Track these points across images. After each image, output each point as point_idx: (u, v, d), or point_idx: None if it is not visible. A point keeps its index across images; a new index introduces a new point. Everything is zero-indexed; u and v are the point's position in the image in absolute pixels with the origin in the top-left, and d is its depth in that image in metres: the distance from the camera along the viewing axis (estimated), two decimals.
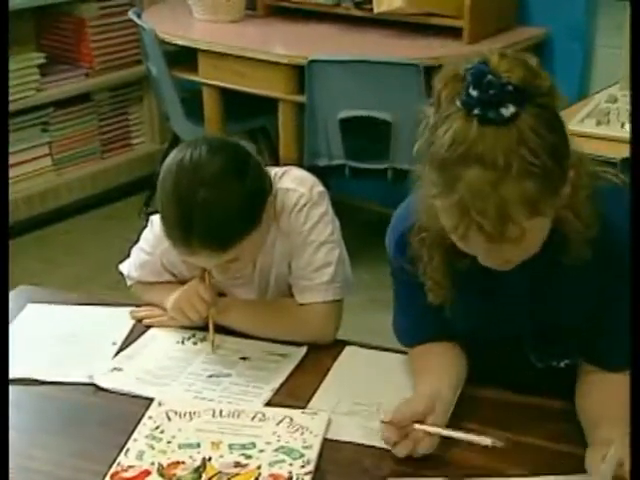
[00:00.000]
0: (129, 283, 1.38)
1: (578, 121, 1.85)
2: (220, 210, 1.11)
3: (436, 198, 0.91)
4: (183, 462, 1.00)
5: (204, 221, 1.11)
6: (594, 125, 1.82)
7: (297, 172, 1.27)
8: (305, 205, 1.24)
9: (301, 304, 1.25)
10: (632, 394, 0.86)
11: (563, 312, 1.05)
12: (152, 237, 1.30)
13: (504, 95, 0.86)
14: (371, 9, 2.49)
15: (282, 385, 1.15)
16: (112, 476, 0.99)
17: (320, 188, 1.27)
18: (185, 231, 1.12)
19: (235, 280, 1.29)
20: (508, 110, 0.86)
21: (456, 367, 1.11)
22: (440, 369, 1.09)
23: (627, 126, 1.80)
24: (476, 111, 0.87)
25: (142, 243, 1.33)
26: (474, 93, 0.87)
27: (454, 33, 2.40)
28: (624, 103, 1.90)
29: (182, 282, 1.31)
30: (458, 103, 0.88)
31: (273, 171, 1.25)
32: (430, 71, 2.17)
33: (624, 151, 1.60)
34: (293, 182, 1.25)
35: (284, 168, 1.29)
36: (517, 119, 0.86)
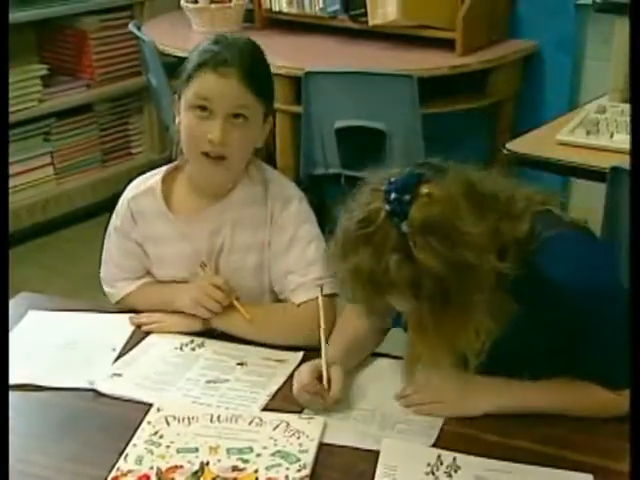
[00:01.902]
0: (116, 299, 1.39)
1: (569, 131, 1.85)
2: (258, 52, 1.25)
3: (334, 255, 0.98)
4: (182, 466, 1.01)
5: (245, 50, 1.22)
6: (584, 135, 1.82)
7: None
8: (292, 199, 1.28)
9: (298, 305, 1.27)
10: (632, 396, 0.86)
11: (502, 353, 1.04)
12: (112, 229, 1.37)
13: (405, 215, 0.91)
14: (366, 22, 2.52)
15: (279, 390, 1.16)
16: None
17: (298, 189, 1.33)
18: (223, 46, 1.21)
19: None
20: (406, 227, 0.91)
21: (366, 334, 1.21)
22: (351, 332, 1.20)
23: (616, 136, 1.81)
24: (386, 206, 0.92)
25: (105, 243, 1.40)
26: (392, 193, 0.92)
27: (447, 45, 2.42)
28: (613, 114, 1.91)
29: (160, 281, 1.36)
30: (384, 187, 0.94)
31: None
32: (424, 82, 2.21)
33: (613, 160, 1.63)
34: (280, 175, 1.32)
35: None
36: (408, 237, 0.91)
